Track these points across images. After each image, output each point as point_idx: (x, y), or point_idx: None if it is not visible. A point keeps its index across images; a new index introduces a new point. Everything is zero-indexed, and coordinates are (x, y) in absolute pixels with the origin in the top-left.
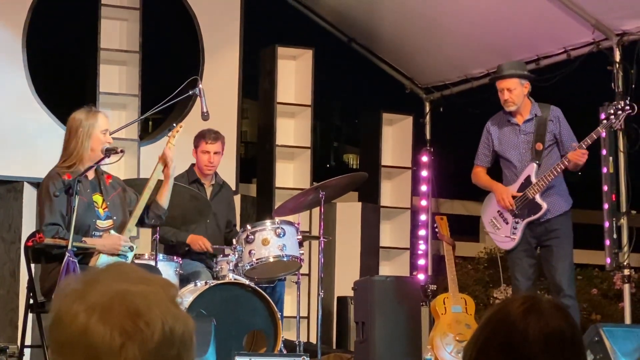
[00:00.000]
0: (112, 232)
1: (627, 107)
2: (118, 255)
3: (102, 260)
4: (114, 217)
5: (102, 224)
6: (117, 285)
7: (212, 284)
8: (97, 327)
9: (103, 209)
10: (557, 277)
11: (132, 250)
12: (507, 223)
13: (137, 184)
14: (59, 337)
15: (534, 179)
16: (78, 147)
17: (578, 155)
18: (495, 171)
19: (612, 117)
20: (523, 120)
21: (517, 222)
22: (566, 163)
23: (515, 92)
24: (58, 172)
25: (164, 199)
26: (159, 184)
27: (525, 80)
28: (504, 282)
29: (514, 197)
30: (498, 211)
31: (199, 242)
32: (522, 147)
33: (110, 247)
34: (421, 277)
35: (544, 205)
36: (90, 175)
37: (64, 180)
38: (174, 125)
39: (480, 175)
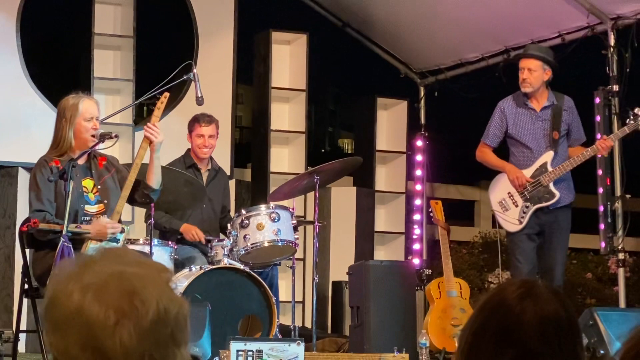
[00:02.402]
0: (102, 217)
1: None
2: (107, 240)
3: (92, 247)
4: (105, 201)
5: (92, 208)
6: (112, 266)
7: (206, 269)
8: (91, 305)
9: (94, 194)
10: (554, 267)
11: (122, 232)
12: (516, 206)
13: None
14: (54, 316)
15: (550, 167)
16: (63, 136)
17: (607, 146)
18: (501, 152)
19: None
20: (540, 107)
21: (527, 207)
22: (586, 156)
23: (534, 74)
24: (46, 160)
25: (153, 177)
26: (146, 166)
27: (547, 67)
28: (503, 267)
29: (527, 181)
30: (508, 193)
31: (191, 231)
32: (538, 133)
33: (97, 233)
34: (416, 261)
35: (557, 194)
36: (82, 160)
37: (52, 167)
38: (158, 96)
39: (488, 154)
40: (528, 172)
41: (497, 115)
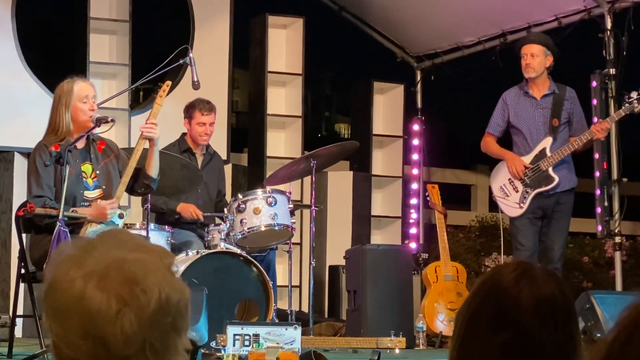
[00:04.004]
0: (101, 201)
1: None
2: (106, 223)
3: (92, 230)
4: (104, 187)
5: (91, 194)
6: (114, 252)
7: (203, 253)
8: (94, 293)
9: (92, 179)
10: (553, 250)
11: (121, 218)
12: (517, 191)
13: (127, 154)
14: (55, 302)
15: (548, 152)
16: (60, 120)
17: (602, 129)
18: (503, 142)
19: (636, 101)
20: (541, 95)
21: (527, 192)
22: (583, 140)
23: (537, 60)
24: (45, 144)
25: (152, 167)
26: (147, 152)
27: (549, 53)
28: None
29: (526, 167)
30: (509, 179)
31: (189, 209)
32: (538, 120)
33: (98, 215)
34: (413, 245)
35: (556, 178)
36: (81, 144)
37: (51, 151)
38: (160, 84)
39: (491, 144)
40: (528, 158)
41: (500, 105)
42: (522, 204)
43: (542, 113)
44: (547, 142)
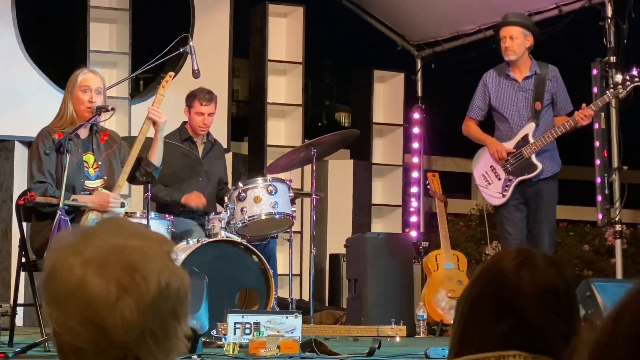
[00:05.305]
0: (103, 190)
1: (637, 79)
2: (107, 212)
3: (92, 218)
4: (105, 177)
5: (92, 184)
6: (113, 239)
7: (204, 242)
8: (93, 280)
9: (94, 169)
10: (541, 240)
11: (122, 207)
12: (499, 179)
13: (128, 142)
14: (55, 289)
15: (531, 139)
16: (65, 107)
17: (585, 116)
18: (486, 126)
19: (620, 87)
20: (522, 77)
21: (509, 180)
22: (567, 127)
23: (517, 42)
24: (48, 131)
25: (155, 155)
26: (150, 140)
27: (529, 33)
28: (491, 241)
29: (508, 153)
30: (491, 166)
31: (194, 199)
32: (520, 103)
33: (99, 204)
34: (413, 234)
35: (539, 166)
36: (84, 134)
37: (54, 139)
38: (163, 75)
39: (472, 127)
40: (510, 145)
41: (480, 88)
42: (504, 193)
43: (524, 96)
44: (530, 128)
